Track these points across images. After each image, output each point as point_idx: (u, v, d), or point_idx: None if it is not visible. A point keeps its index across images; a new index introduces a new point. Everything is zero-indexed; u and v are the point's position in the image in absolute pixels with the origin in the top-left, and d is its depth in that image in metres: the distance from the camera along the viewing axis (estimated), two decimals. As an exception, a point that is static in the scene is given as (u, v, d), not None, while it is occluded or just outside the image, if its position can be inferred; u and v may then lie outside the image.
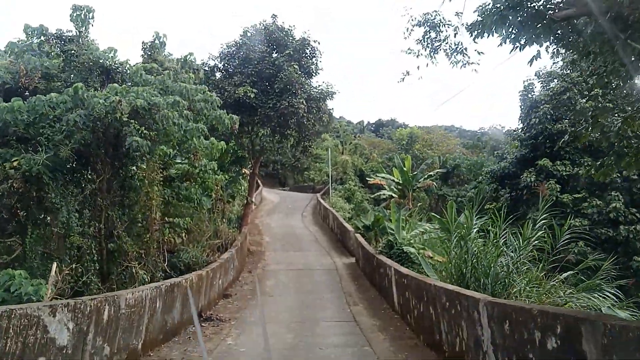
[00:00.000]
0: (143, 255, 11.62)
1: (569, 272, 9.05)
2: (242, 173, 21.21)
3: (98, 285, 9.94)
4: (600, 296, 7.25)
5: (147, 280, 10.92)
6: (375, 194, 30.67)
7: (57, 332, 5.30)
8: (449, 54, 9.19)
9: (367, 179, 36.26)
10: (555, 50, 8.15)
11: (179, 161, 15.75)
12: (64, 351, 5.42)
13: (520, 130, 24.73)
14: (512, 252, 8.94)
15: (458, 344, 6.12)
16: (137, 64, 13.34)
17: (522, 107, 24.53)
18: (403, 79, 10.29)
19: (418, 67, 9.93)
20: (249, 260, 19.62)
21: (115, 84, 10.73)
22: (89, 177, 10.62)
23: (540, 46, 7.37)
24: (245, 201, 21.38)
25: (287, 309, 12.81)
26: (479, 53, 9.53)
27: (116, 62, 12.82)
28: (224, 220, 20.59)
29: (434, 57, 9.73)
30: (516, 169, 23.86)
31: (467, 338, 5.74)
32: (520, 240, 8.74)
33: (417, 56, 9.92)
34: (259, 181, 46.91)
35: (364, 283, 16.20)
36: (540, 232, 8.73)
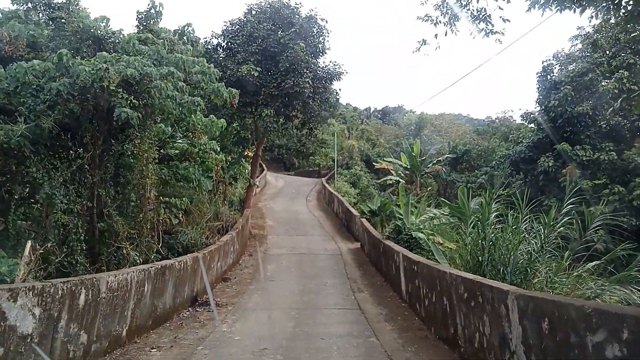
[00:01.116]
0: (136, 236, 10.97)
1: (594, 262, 8.25)
2: (244, 155, 20.45)
3: (85, 266, 9.32)
4: (636, 289, 6.47)
5: (139, 262, 10.29)
6: (382, 179, 29.90)
7: (19, 319, 4.62)
8: (472, 19, 8.32)
9: (374, 163, 35.47)
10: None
11: (180, 141, 15.05)
12: (28, 340, 4.75)
13: (537, 113, 23.47)
14: (533, 239, 8.18)
15: (477, 340, 5.40)
16: (130, 33, 12.53)
17: (540, 89, 23.24)
18: (419, 49, 9.48)
19: (436, 36, 9.10)
20: (250, 243, 18.99)
21: (105, 53, 9.95)
22: (77, 151, 9.90)
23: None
24: (248, 183, 20.67)
25: (288, 294, 12.17)
26: (504, 20, 8.68)
27: (108, 31, 12.01)
28: (225, 202, 19.94)
29: (454, 25, 8.89)
30: (532, 153, 22.76)
31: (490, 334, 5.02)
32: (544, 227, 7.94)
33: (436, 24, 9.08)
34: (263, 165, 46.33)
35: (369, 269, 15.53)
36: (567, 219, 7.93)
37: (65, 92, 8.63)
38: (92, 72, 8.69)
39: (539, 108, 23.39)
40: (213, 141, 14.90)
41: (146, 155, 11.48)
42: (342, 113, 57.03)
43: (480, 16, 8.57)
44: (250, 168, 21.63)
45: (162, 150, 14.53)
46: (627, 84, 14.15)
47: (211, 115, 13.48)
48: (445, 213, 14.94)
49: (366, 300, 11.68)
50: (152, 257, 11.01)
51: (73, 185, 9.57)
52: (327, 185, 32.40)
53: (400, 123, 57.18)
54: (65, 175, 9.26)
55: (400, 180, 27.73)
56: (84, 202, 9.71)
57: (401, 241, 13.39)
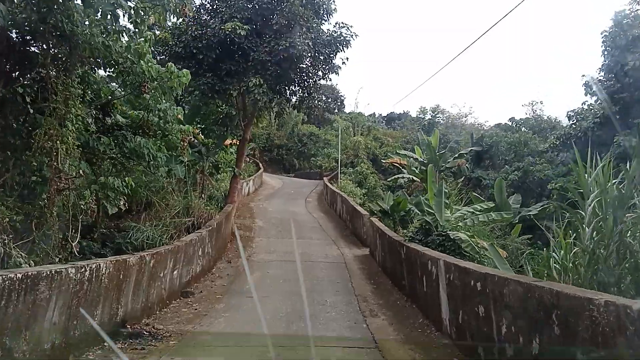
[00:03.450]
0: (33, 227, 7.14)
1: None
2: (227, 136, 16.64)
3: None
4: None
5: (28, 266, 6.46)
6: (392, 178, 26.00)
7: None
8: None
9: (382, 161, 31.64)
10: None
11: (132, 111, 11.33)
12: None
13: (606, 81, 18.91)
14: None
15: None
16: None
17: (609, 51, 18.86)
18: None
19: None
20: (231, 247, 15.12)
21: None
22: None
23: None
24: (232, 174, 16.85)
25: (270, 319, 8.36)
26: None
27: None
28: (203, 195, 16.11)
29: None
30: (601, 132, 18.14)
31: None
32: None
33: None
34: (260, 164, 42.59)
35: (383, 282, 11.65)
36: None
37: None
38: None
39: (605, 75, 18.92)
40: (179, 107, 11.08)
41: (64, 109, 7.73)
42: (347, 118, 53.34)
43: None
44: (235, 155, 17.78)
45: (107, 118, 10.78)
46: None
47: (170, 64, 9.70)
48: (478, 211, 11.10)
49: (384, 330, 7.81)
50: (58, 259, 7.16)
51: None
52: (329, 184, 28.56)
53: (411, 117, 53.19)
54: None
55: (415, 178, 23.86)
56: None
57: (431, 244, 9.54)
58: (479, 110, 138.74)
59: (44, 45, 7.80)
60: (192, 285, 10.71)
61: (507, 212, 10.53)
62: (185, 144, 12.00)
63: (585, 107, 19.49)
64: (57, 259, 7.10)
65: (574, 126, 19.06)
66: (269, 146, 52.94)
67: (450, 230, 9.28)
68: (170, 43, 15.80)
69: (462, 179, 21.59)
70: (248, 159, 40.05)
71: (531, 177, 22.13)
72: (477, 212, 10.45)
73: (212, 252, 12.58)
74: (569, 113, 19.46)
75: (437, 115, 38.62)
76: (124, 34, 8.57)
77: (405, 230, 12.96)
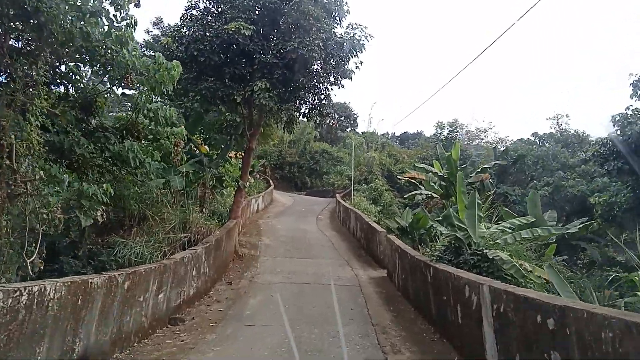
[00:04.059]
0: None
1: None
2: (231, 146, 15.35)
3: None
4: None
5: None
6: (409, 195, 24.39)
7: None
8: None
9: (398, 177, 30.10)
10: None
11: (120, 113, 10.08)
12: None
13: None
14: None
15: None
16: None
17: None
18: None
19: None
20: (233, 266, 13.67)
21: None
22: None
23: None
24: (237, 187, 15.50)
25: (270, 355, 6.87)
26: None
27: None
28: (205, 210, 14.75)
29: None
30: None
31: None
32: None
33: None
34: (270, 180, 41.35)
35: (404, 309, 10.05)
36: None
37: None
38: None
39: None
40: (172, 108, 9.81)
41: (25, 99, 6.50)
42: (360, 137, 52.07)
43: None
44: (241, 167, 16.43)
45: (91, 117, 9.57)
46: None
47: (158, 54, 8.46)
48: (517, 226, 9.51)
49: (412, 373, 6.24)
50: (5, 279, 5.80)
51: None
52: (341, 200, 27.09)
53: (423, 143, 51.69)
54: None
55: (434, 195, 22.22)
56: None
57: (464, 264, 7.99)
58: (499, 125, 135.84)
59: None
60: (184, 311, 9.26)
61: (556, 227, 8.96)
62: (179, 149, 10.70)
63: (630, 112, 17.80)
64: (9, 281, 5.73)
65: (619, 132, 17.35)
66: (280, 163, 51.79)
67: (486, 249, 7.73)
68: (172, 48, 14.74)
69: (493, 192, 19.77)
70: (258, 176, 38.90)
71: (563, 192, 20.34)
72: (518, 228, 8.87)
73: (210, 272, 11.14)
74: (614, 117, 17.75)
75: (456, 131, 37.04)
76: (103, 17, 7.39)
77: (428, 250, 11.39)
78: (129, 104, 9.97)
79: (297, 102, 14.99)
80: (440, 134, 37.93)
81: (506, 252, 7.99)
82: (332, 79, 14.97)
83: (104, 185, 7.77)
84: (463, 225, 8.41)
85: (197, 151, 15.24)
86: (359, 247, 18.34)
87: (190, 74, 14.05)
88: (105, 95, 9.85)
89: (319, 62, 14.27)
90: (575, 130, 34.50)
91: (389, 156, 37.76)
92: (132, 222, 12.70)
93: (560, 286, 6.00)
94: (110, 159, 8.93)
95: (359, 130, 64.72)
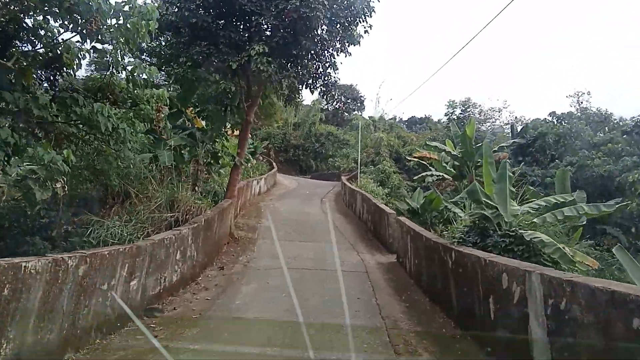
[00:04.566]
0: None
1: None
2: (227, 118, 13.99)
3: None
4: None
5: None
6: (418, 177, 23.00)
7: None
8: None
9: (407, 157, 28.68)
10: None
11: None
12: None
13: None
14: None
15: None
16: None
17: None
18: None
19: None
20: (227, 249, 12.47)
21: None
22: None
23: None
24: (233, 164, 14.20)
25: (259, 355, 5.67)
26: None
27: None
28: (197, 188, 13.49)
29: None
30: None
31: None
32: None
33: None
34: (274, 163, 40.06)
35: (418, 299, 8.79)
36: None
37: None
38: None
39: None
40: (152, 67, 8.45)
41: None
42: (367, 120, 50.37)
43: None
44: (238, 142, 15.09)
45: (58, 76, 8.27)
46: None
47: (131, -3, 7.08)
48: (552, 204, 8.13)
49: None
50: None
51: None
52: (347, 183, 25.78)
53: (432, 126, 49.95)
54: None
55: (446, 176, 20.84)
56: None
57: (493, 247, 6.66)
58: (514, 104, 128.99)
59: None
60: (164, 300, 8.07)
61: (598, 205, 7.60)
62: (162, 115, 9.38)
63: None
64: None
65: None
66: (284, 146, 50.38)
67: (523, 229, 6.40)
68: (162, 11, 13.37)
69: (513, 172, 18.30)
70: (261, 158, 37.61)
71: (588, 172, 18.91)
72: (554, 207, 7.52)
73: (198, 256, 9.91)
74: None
75: (468, 110, 35.25)
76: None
77: (445, 232, 10.10)
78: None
79: (299, 70, 13.55)
80: (451, 113, 36.17)
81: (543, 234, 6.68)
82: (338, 45, 13.51)
83: (64, 151, 6.48)
84: (491, 202, 7.08)
85: (190, 125, 13.92)
86: (366, 230, 17.07)
87: (181, 38, 12.71)
88: (76, 52, 8.49)
89: (323, 25, 12.80)
90: (597, 108, 32.74)
91: (397, 137, 36.22)
92: (115, 200, 11.50)
93: (636, 275, 4.67)
94: (79, 125, 7.63)
95: (366, 114, 62.93)
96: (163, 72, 13.86)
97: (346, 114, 68.27)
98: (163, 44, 13.61)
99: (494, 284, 5.31)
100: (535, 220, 7.07)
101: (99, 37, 7.50)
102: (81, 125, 7.73)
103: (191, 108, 14.87)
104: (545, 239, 5.94)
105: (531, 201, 8.05)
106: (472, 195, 7.09)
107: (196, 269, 9.79)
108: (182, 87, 13.85)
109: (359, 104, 68.65)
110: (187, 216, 11.02)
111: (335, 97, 16.94)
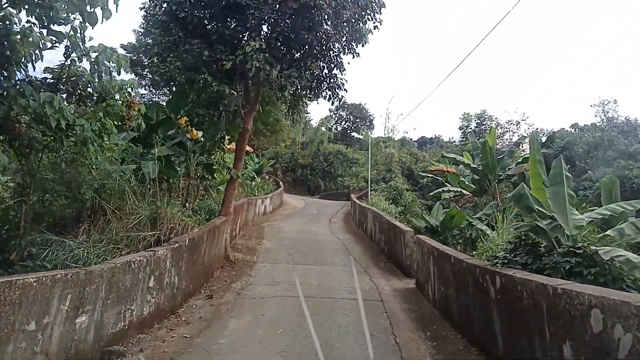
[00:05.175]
0: None
1: None
2: (223, 125, 12.52)
3: None
4: None
5: None
6: (434, 193, 21.30)
7: None
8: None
9: (422, 173, 27.01)
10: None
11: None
12: None
13: None
14: None
15: None
16: None
17: None
18: None
19: None
20: (220, 274, 10.83)
21: None
22: None
23: None
24: (229, 177, 12.69)
25: None
26: None
27: None
28: (188, 205, 11.98)
29: None
30: None
31: None
32: None
33: None
34: (281, 182, 38.58)
35: (447, 336, 7.05)
36: None
37: None
38: None
39: None
40: (121, 54, 7.05)
41: None
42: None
43: None
44: (234, 153, 13.59)
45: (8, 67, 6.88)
46: None
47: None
48: (598, 219, 6.42)
49: None
50: None
51: None
52: (357, 200, 24.14)
53: (444, 145, 48.19)
54: None
55: (465, 192, 19.11)
56: None
57: (553, 271, 4.97)
58: (533, 116, 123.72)
59: None
60: (131, 339, 6.45)
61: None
62: (133, 113, 7.93)
63: None
64: None
65: None
66: (292, 166, 49.00)
67: (595, 245, 4.74)
68: (150, 10, 12.26)
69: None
70: (267, 177, 36.16)
71: (628, 184, 17.13)
72: (621, 216, 5.88)
73: (181, 283, 8.31)
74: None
75: (484, 123, 33.51)
76: None
77: (474, 252, 8.43)
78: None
79: (302, 72, 12.12)
80: (466, 127, 34.47)
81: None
82: (344, 41, 12.13)
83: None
84: (544, 211, 5.45)
85: (184, 136, 12.49)
86: (379, 251, 15.34)
87: (170, 37, 11.43)
88: (37, 40, 7.13)
89: (327, 18, 11.43)
90: (626, 117, 30.64)
91: (409, 154, 34.61)
92: (93, 218, 10.01)
93: None
94: (31, 124, 6.21)
95: (376, 133, 61.46)
96: (150, 77, 12.55)
97: (355, 134, 67.08)
98: (151, 42, 12.34)
99: (573, 324, 3.63)
100: (609, 232, 5.40)
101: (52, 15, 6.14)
102: (30, 122, 6.28)
103: (186, 118, 13.52)
104: (633, 258, 4.29)
105: (591, 210, 6.40)
106: (520, 201, 5.47)
107: (177, 299, 8.16)
108: (172, 91, 12.51)
109: (367, 123, 67.44)
110: (172, 235, 9.46)
111: (341, 100, 15.13)
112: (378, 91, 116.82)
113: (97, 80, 6.98)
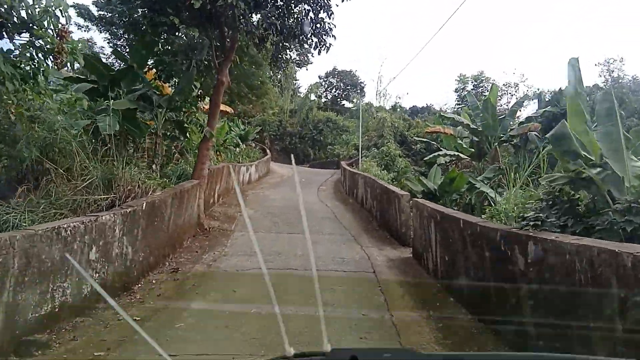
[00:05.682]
0: None
1: None
2: (193, 75, 10.96)
3: None
4: None
5: None
6: (429, 157, 19.99)
7: None
8: None
9: (416, 138, 25.72)
10: None
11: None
12: None
13: None
14: None
15: None
16: None
17: None
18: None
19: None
20: (190, 244, 9.53)
21: None
22: None
23: None
24: (203, 135, 11.22)
25: None
26: None
27: None
28: (154, 167, 10.53)
29: None
30: None
31: None
32: None
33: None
34: (268, 150, 37.10)
35: (455, 316, 5.85)
36: None
37: None
38: None
39: None
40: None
41: None
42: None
43: None
44: (208, 108, 12.08)
45: None
46: None
47: None
48: None
49: None
50: None
51: None
52: (347, 167, 22.83)
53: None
54: None
55: (462, 155, 17.84)
56: None
57: (607, 233, 3.69)
58: (532, 78, 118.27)
59: None
60: (60, 325, 5.14)
61: None
62: (64, 46, 6.38)
63: None
64: None
65: None
66: (280, 134, 47.32)
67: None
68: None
69: (523, 150, 14.91)
70: (253, 145, 34.61)
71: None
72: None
73: (136, 255, 6.96)
74: None
75: (481, 85, 31.94)
76: None
77: (483, 215, 7.19)
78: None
79: (284, 15, 10.50)
80: (462, 89, 32.84)
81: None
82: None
83: None
84: (591, 157, 4.16)
85: (152, 90, 10.90)
86: (370, 218, 14.12)
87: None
88: None
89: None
90: (633, 76, 29.20)
91: (401, 119, 33.10)
92: (35, 180, 8.56)
93: None
94: None
95: (366, 100, 59.45)
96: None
97: (345, 102, 65.16)
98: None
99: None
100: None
101: None
102: None
103: (154, 71, 11.89)
104: None
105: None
106: (561, 144, 4.16)
107: (132, 273, 6.84)
108: (135, 38, 10.85)
109: (358, 90, 65.43)
110: (129, 200, 8.07)
111: (329, 49, 13.31)
112: (372, 58, 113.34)
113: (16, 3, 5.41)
